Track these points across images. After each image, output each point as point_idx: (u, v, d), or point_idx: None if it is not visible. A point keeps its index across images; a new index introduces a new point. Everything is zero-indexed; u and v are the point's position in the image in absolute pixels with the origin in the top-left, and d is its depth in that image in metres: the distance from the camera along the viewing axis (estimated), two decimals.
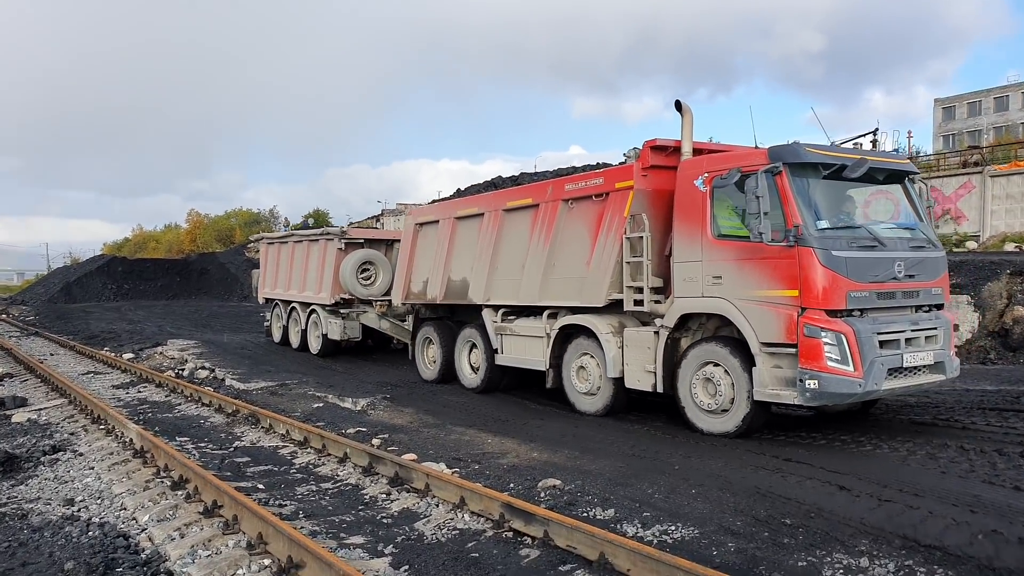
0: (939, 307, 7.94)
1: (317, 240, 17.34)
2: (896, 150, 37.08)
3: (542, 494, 6.27)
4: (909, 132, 40.65)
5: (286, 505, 6.29)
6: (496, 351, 10.96)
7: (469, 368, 11.90)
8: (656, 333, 8.44)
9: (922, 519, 5.21)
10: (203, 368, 15.00)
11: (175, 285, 44.06)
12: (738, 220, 7.61)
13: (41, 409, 11.01)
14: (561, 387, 9.98)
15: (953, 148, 49.85)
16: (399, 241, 14.50)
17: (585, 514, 5.75)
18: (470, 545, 5.21)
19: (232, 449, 8.44)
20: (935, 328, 7.62)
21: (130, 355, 17.69)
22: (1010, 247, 22.39)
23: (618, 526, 5.45)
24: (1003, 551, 4.66)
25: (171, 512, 6.07)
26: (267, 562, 4.89)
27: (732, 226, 7.72)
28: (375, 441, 8.41)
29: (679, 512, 5.64)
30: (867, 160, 7.53)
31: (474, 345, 11.68)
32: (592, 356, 9.35)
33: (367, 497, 6.49)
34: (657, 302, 8.54)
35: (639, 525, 5.44)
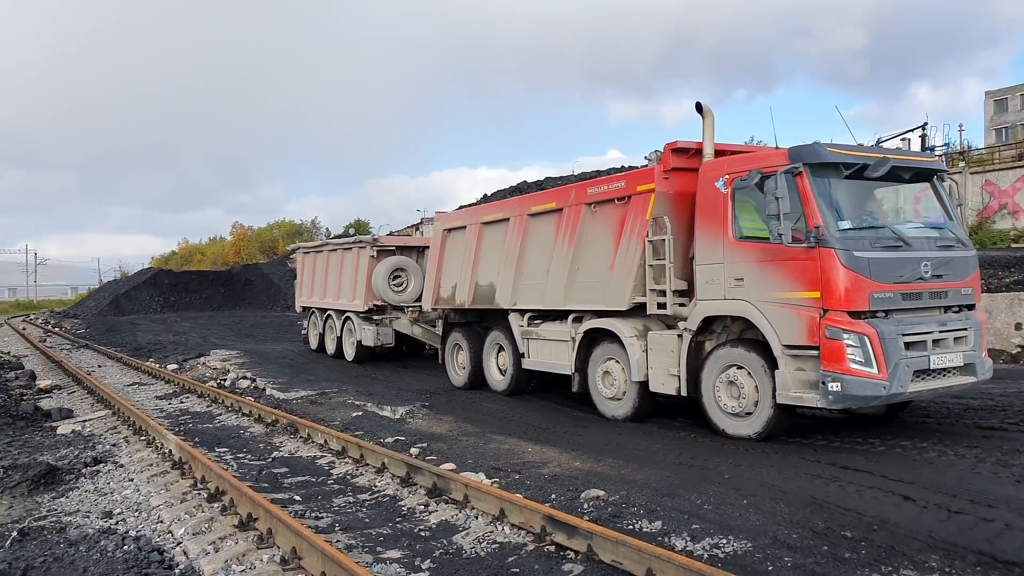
0: (970, 307, 7.74)
1: (350, 248, 17.61)
2: (947, 144, 35.81)
3: (585, 505, 6.01)
4: (960, 125, 39.28)
5: (322, 517, 6.16)
6: (523, 355, 11.00)
7: (497, 372, 11.96)
8: (680, 336, 8.35)
9: (998, 533, 4.82)
10: (244, 378, 15.07)
11: (219, 296, 44.82)
12: (759, 221, 7.49)
13: (86, 420, 11.14)
14: (587, 392, 9.91)
15: (1006, 141, 48.05)
16: (429, 248, 14.58)
17: (631, 527, 5.48)
18: (510, 560, 4.99)
19: (270, 460, 8.36)
20: (964, 329, 7.41)
21: (174, 366, 17.92)
22: None
23: (666, 539, 5.17)
24: None
25: (206, 525, 5.98)
26: None
27: (753, 227, 7.61)
28: (413, 450, 8.24)
29: (730, 524, 5.33)
30: (889, 159, 7.36)
31: (501, 349, 11.76)
32: (617, 361, 9.29)
33: (405, 509, 6.31)
34: (681, 305, 8.44)
35: (688, 538, 5.15)
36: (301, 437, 9.28)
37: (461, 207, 13.82)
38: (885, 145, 36.71)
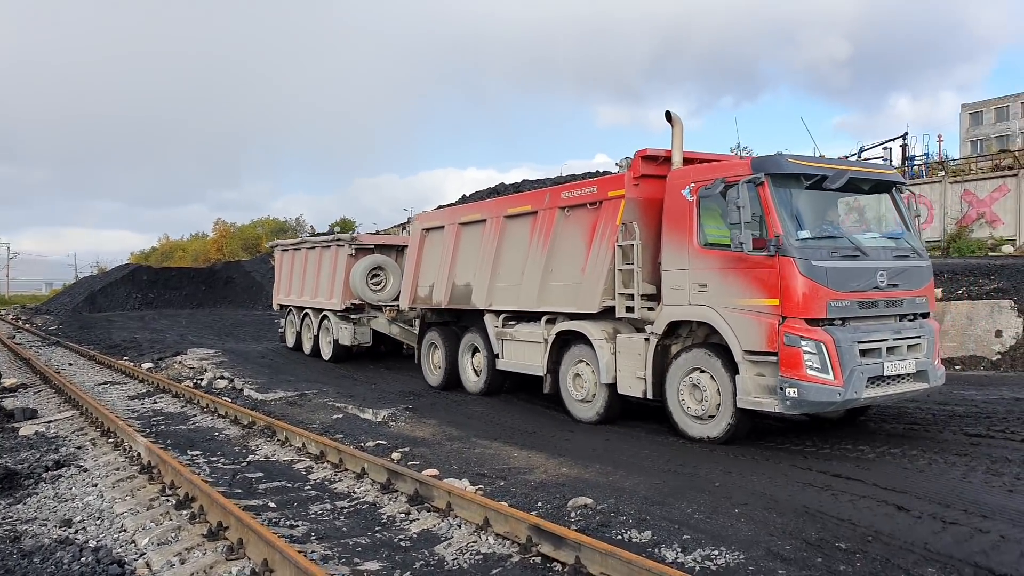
0: (925, 315, 7.95)
1: (328, 247, 17.42)
2: (926, 154, 36.31)
3: (572, 514, 5.81)
4: (939, 136, 39.85)
5: (298, 526, 5.90)
6: (497, 356, 11.08)
7: (472, 373, 12.01)
8: (647, 340, 8.49)
9: (994, 544, 4.69)
10: (222, 378, 14.71)
11: (200, 294, 44.07)
12: (723, 229, 7.62)
13: (51, 421, 10.75)
14: (558, 393, 10.00)
15: (981, 153, 48.74)
16: (408, 247, 14.44)
17: (619, 536, 5.28)
18: (495, 572, 4.77)
19: (245, 464, 8.07)
20: (918, 337, 7.61)
21: (149, 365, 17.49)
22: None
23: (656, 550, 4.98)
24: None
25: (173, 534, 5.70)
26: None
27: (717, 235, 7.76)
28: (395, 455, 8.00)
29: (722, 535, 5.15)
30: (847, 171, 7.52)
31: (476, 350, 11.81)
32: (587, 363, 9.40)
33: (384, 517, 6.07)
34: (649, 309, 8.57)
35: (679, 549, 4.96)
36: (278, 440, 9.00)
37: (440, 207, 13.71)
38: (868, 153, 37.35)
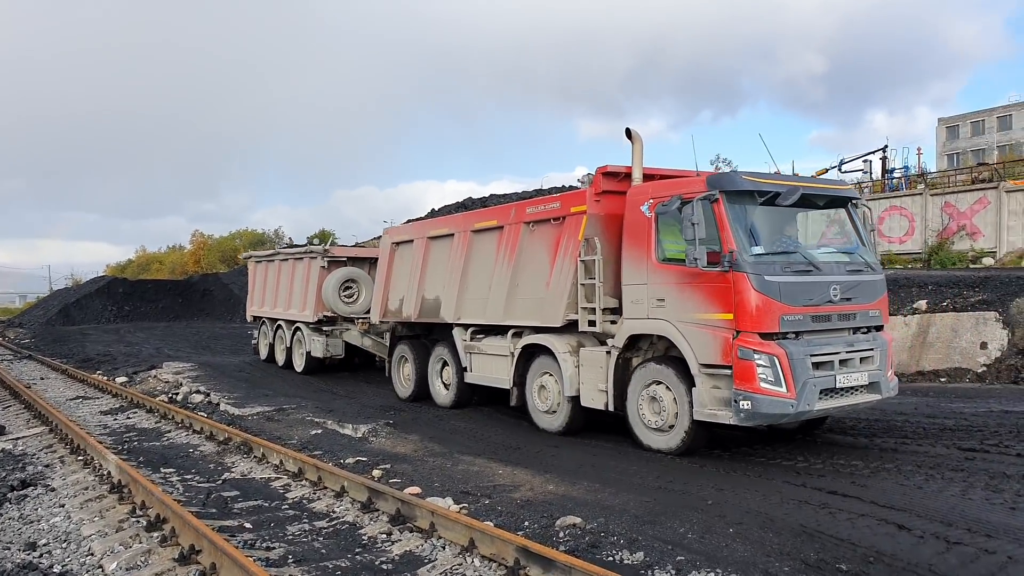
0: (878, 328, 8.06)
1: (301, 258, 17.40)
2: (905, 167, 36.70)
3: (561, 534, 5.60)
4: (919, 149, 40.02)
5: (274, 548, 5.64)
6: (466, 369, 11.16)
7: (442, 386, 12.06)
8: (608, 353, 8.59)
9: (1001, 566, 4.53)
10: (198, 392, 14.35)
11: (177, 306, 43.35)
12: (680, 245, 7.73)
13: (19, 439, 10.37)
14: (524, 406, 10.11)
15: (958, 166, 49.43)
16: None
17: (611, 558, 5.08)
18: None
19: (220, 482, 7.78)
20: (871, 349, 7.71)
21: (123, 379, 17.06)
22: None
23: (649, 573, 4.78)
24: None
25: (143, 558, 5.44)
26: None
27: (675, 250, 7.87)
28: (376, 472, 7.74)
29: (717, 555, 4.96)
30: (799, 188, 7.62)
31: (446, 363, 11.88)
32: (552, 375, 9.53)
33: (365, 538, 5.82)
34: (612, 322, 8.66)
35: (673, 572, 4.76)
36: (255, 457, 8.71)
37: (409, 221, 13.63)
38: (847, 166, 37.63)
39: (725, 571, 4.68)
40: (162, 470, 8.25)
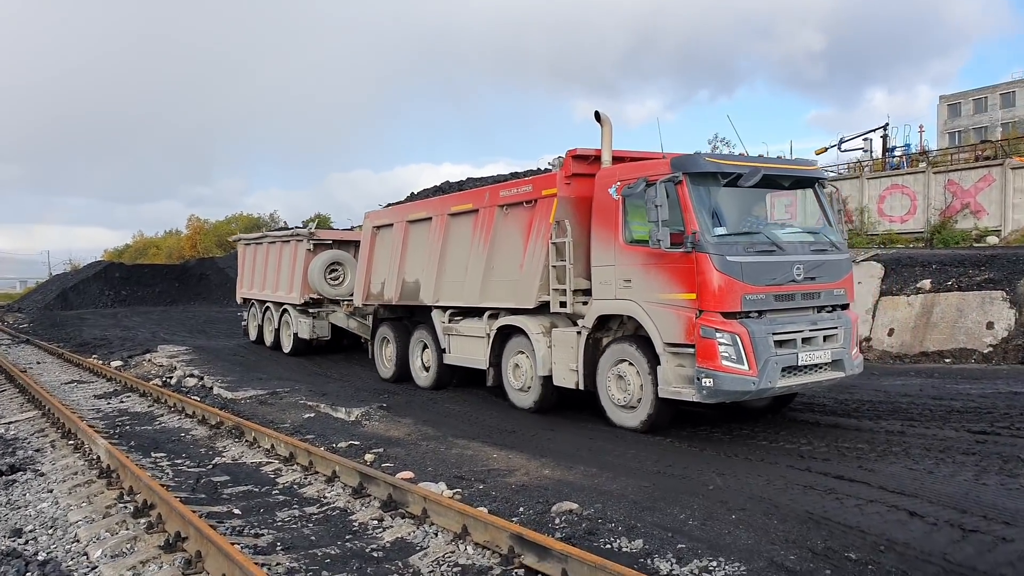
0: (844, 307, 8.10)
1: (288, 241, 17.60)
2: (907, 145, 36.28)
3: (557, 520, 5.43)
4: (921, 127, 39.55)
5: (263, 535, 5.48)
6: (444, 351, 11.30)
7: (422, 367, 12.20)
8: (579, 333, 8.72)
9: (1021, 555, 4.33)
10: (191, 376, 14.19)
11: (174, 291, 43.16)
12: (647, 227, 7.74)
13: (11, 423, 10.22)
14: (501, 385, 10.28)
15: (959, 144, 48.92)
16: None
17: (608, 545, 4.91)
18: None
19: (211, 467, 7.63)
20: (835, 328, 7.78)
21: (119, 363, 16.92)
22: None
23: (649, 561, 4.61)
24: None
25: (128, 546, 5.28)
26: None
27: (642, 232, 7.91)
28: (368, 456, 7.58)
29: (720, 543, 4.79)
30: (760, 169, 7.68)
31: (426, 345, 12.01)
32: (526, 354, 9.68)
33: (356, 524, 5.66)
34: (584, 303, 8.79)
35: (674, 560, 4.59)
36: (247, 441, 8.55)
37: (389, 205, 13.82)
38: (847, 145, 37.20)
39: (728, 559, 4.52)
40: (153, 455, 8.10)
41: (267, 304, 18.74)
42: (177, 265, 49.02)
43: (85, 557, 5.15)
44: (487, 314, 10.32)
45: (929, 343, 13.87)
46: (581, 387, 8.71)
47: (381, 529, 5.52)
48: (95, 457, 7.70)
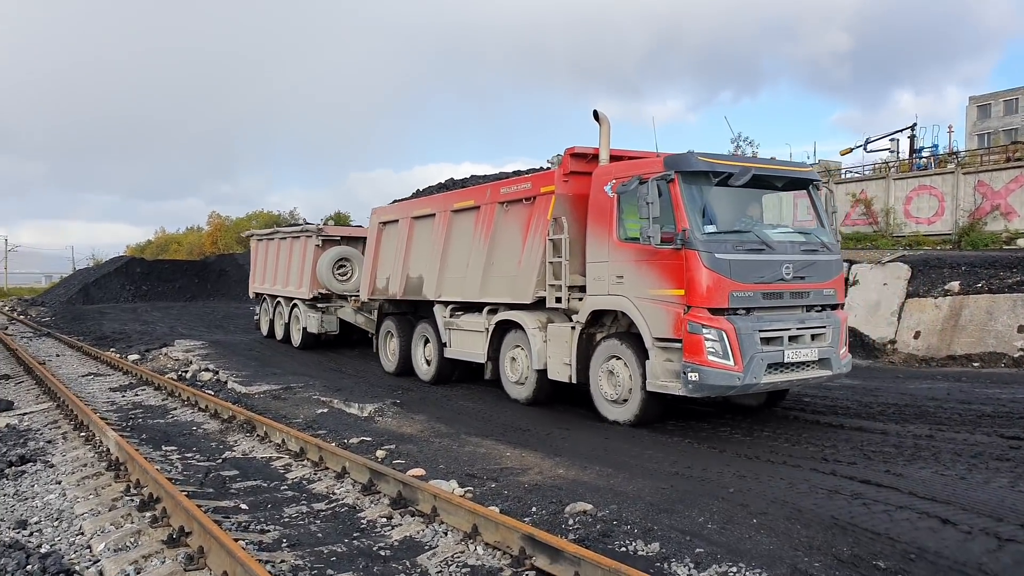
0: (834, 307, 8.17)
1: (298, 237, 17.94)
2: (935, 146, 35.59)
3: (570, 521, 5.25)
4: (950, 127, 38.81)
5: (269, 531, 5.36)
6: (445, 345, 11.47)
7: (424, 361, 12.36)
8: (573, 328, 8.87)
9: None
10: (207, 370, 14.15)
11: (193, 286, 43.44)
12: (639, 224, 7.80)
13: (25, 414, 10.22)
14: (498, 379, 10.48)
15: (988, 146, 47.92)
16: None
17: (623, 548, 4.72)
18: None
19: (220, 461, 7.53)
20: (823, 327, 7.86)
21: (136, 356, 16.95)
22: None
23: (666, 565, 4.42)
24: None
25: (132, 540, 5.17)
26: None
27: (635, 230, 7.96)
28: (379, 453, 7.44)
29: (740, 548, 4.58)
30: (751, 169, 7.76)
31: (428, 340, 12.17)
32: (522, 348, 9.87)
33: (364, 521, 5.52)
34: (580, 299, 8.91)
35: (692, 565, 4.39)
36: (258, 436, 8.45)
37: (395, 201, 14.07)
38: (873, 145, 36.56)
39: (749, 565, 4.31)
40: (163, 448, 8.02)
41: (278, 299, 19.06)
42: (197, 261, 49.33)
43: (88, 550, 5.06)
44: (486, 309, 10.46)
45: (957, 346, 13.49)
46: (574, 381, 8.86)
47: (390, 527, 5.37)
48: (105, 449, 7.63)
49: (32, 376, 13.87)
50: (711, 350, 7.13)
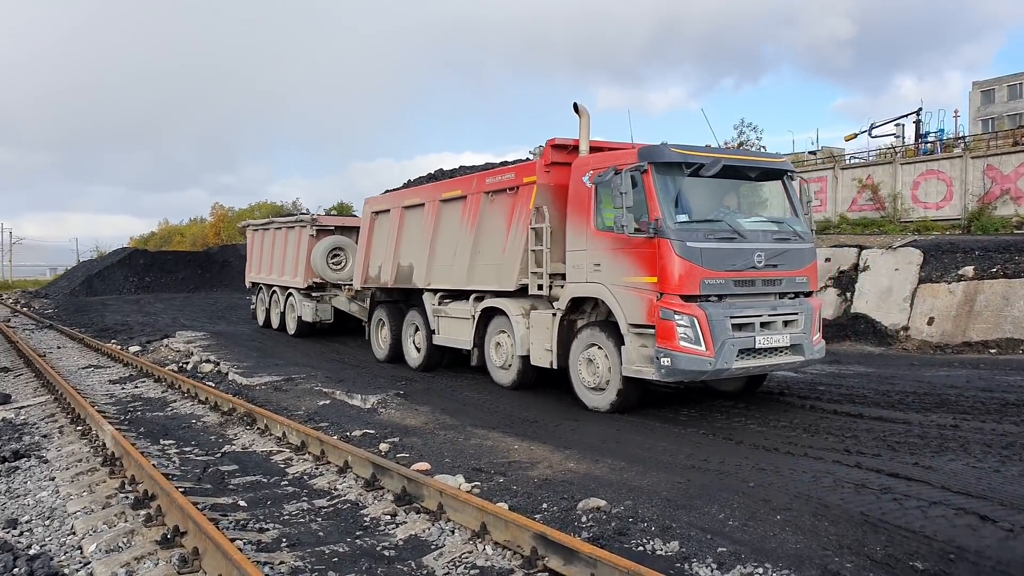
0: (807, 294, 8.33)
1: (293, 227, 18.15)
2: (940, 130, 35.12)
3: (583, 518, 5.00)
4: (956, 112, 38.32)
5: (268, 529, 5.12)
6: (433, 332, 11.70)
7: (414, 348, 12.53)
8: (554, 315, 9.06)
9: None
10: (207, 361, 13.93)
11: (196, 277, 43.27)
12: (615, 213, 7.97)
13: (22, 407, 10.00)
14: (484, 365, 10.71)
15: (991, 131, 47.37)
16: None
17: (641, 548, 4.47)
18: None
19: (219, 455, 7.31)
20: (796, 313, 8.02)
21: (137, 348, 16.75)
22: None
23: (687, 566, 4.17)
24: None
25: (124, 540, 4.93)
26: None
27: (611, 219, 8.14)
28: (383, 446, 7.20)
29: (765, 547, 4.33)
30: (721, 160, 7.93)
31: (417, 327, 12.38)
32: (507, 334, 10.08)
33: (367, 519, 5.29)
34: (561, 287, 9.08)
35: (714, 566, 4.15)
36: (258, 429, 8.22)
37: (387, 191, 14.60)
38: (878, 131, 36.14)
39: (776, 566, 4.06)
40: (161, 441, 7.80)
41: (274, 288, 19.28)
42: (200, 252, 49.17)
43: (79, 551, 4.83)
44: (473, 297, 10.69)
45: (972, 332, 13.21)
46: (555, 366, 9.06)
47: (394, 525, 5.14)
48: (101, 444, 7.41)
49: (32, 369, 13.67)
50: (683, 336, 7.32)
